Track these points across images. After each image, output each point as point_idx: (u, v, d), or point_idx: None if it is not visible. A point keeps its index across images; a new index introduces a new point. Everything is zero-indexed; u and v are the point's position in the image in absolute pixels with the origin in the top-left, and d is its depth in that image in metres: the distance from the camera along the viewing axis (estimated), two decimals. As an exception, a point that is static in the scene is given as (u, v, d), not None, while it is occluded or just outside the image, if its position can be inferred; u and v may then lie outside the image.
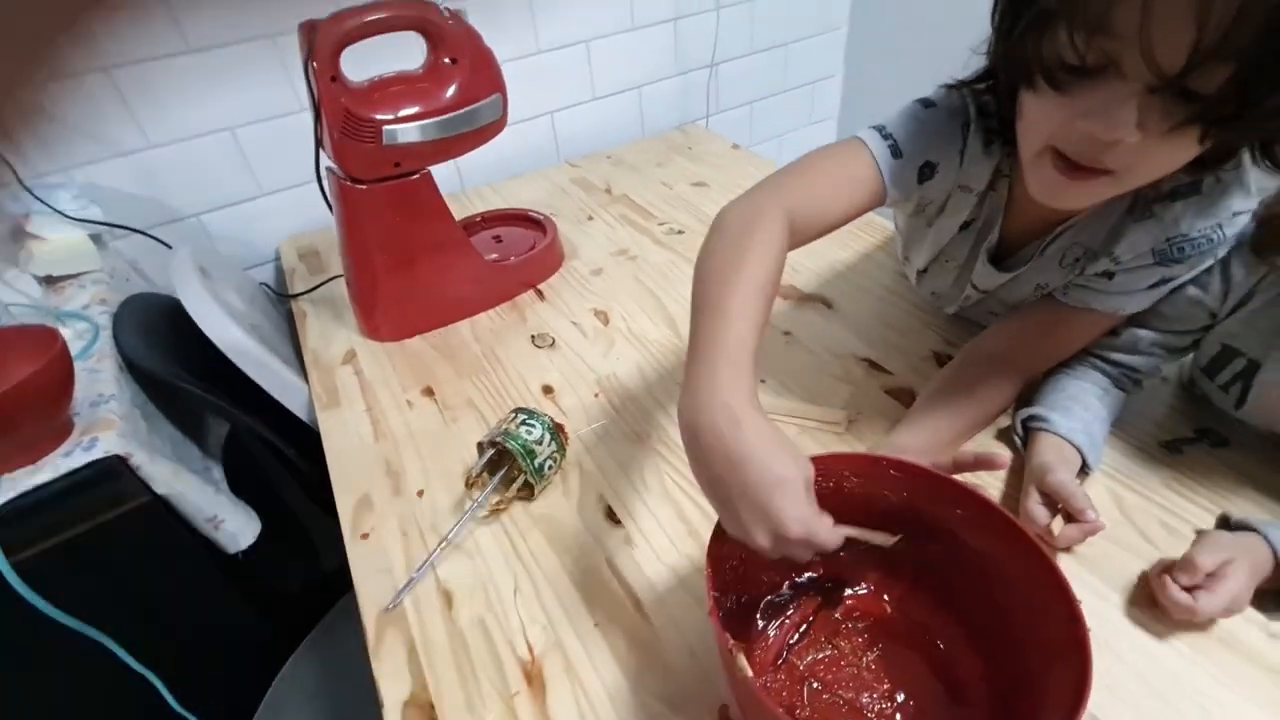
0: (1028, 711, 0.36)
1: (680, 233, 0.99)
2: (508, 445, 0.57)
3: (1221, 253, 0.50)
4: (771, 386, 0.69)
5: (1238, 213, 0.48)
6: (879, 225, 0.94)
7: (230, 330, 0.72)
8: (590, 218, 1.05)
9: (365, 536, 0.58)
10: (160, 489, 0.61)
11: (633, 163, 1.22)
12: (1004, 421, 0.61)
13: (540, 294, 0.88)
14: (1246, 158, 0.46)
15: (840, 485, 0.44)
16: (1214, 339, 0.54)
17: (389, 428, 0.70)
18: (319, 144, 0.71)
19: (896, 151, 0.54)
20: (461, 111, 0.71)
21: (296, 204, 1.03)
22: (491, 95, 0.73)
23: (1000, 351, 0.62)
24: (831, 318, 0.79)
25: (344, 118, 0.66)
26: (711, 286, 0.45)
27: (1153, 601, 0.47)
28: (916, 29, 1.40)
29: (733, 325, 0.42)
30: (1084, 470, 0.54)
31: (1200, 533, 0.50)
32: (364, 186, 0.71)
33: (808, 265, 0.88)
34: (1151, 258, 0.50)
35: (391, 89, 0.69)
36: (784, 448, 0.38)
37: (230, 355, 0.72)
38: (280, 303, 0.98)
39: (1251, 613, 0.46)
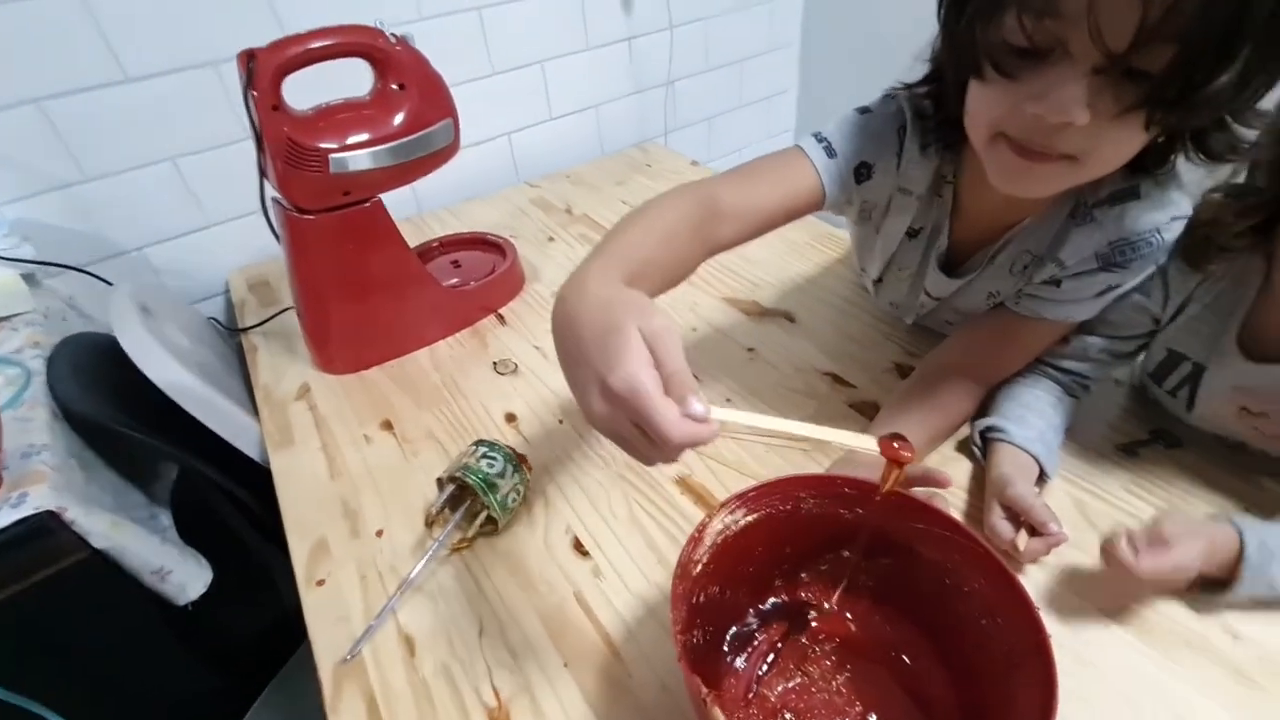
0: (998, 723, 0.36)
1: (642, 251, 0.98)
2: (468, 480, 0.55)
3: (1162, 259, 0.51)
4: (736, 405, 0.69)
5: (1175, 217, 0.50)
6: (838, 238, 0.95)
7: (173, 371, 0.69)
8: (551, 239, 1.04)
9: (321, 583, 0.56)
10: (99, 543, 0.57)
11: (592, 182, 1.22)
12: (965, 432, 0.62)
13: (501, 319, 0.87)
14: (1180, 164, 0.47)
15: (798, 507, 0.44)
16: (1159, 345, 0.55)
17: (345, 465, 0.67)
18: (263, 174, 0.69)
19: (831, 152, 0.55)
20: (412, 137, 0.70)
21: (245, 234, 1.00)
22: (442, 120, 0.72)
23: (957, 363, 0.62)
24: (794, 332, 0.79)
25: (288, 147, 0.64)
26: (609, 234, 0.47)
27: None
28: (866, 43, 1.43)
29: (616, 241, 0.45)
30: (1042, 478, 0.55)
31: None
32: (312, 216, 0.69)
33: (768, 280, 0.89)
34: (1095, 262, 0.52)
35: (338, 117, 0.67)
36: (621, 300, 0.35)
37: (174, 397, 0.69)
38: (230, 337, 0.94)
39: (1215, 614, 0.47)
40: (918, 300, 0.68)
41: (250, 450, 0.74)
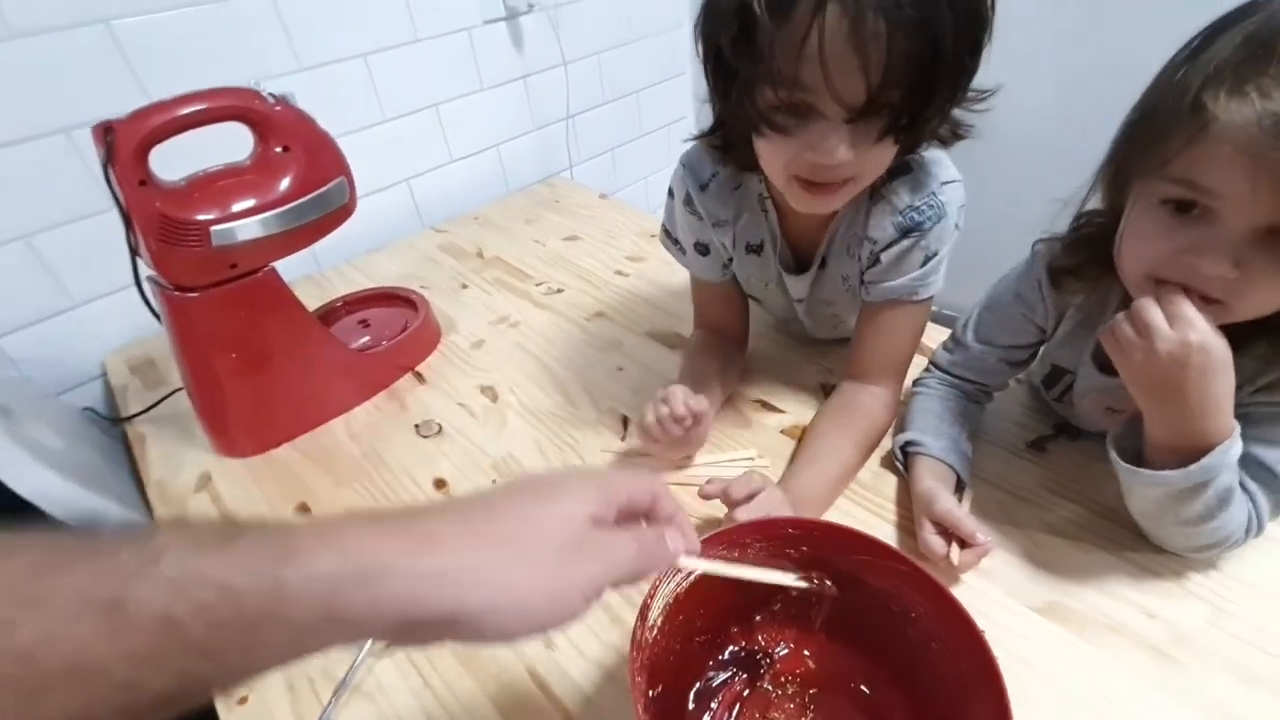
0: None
1: (560, 291, 0.97)
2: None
3: (949, 215, 0.58)
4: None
5: (945, 182, 0.58)
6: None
7: (42, 479, 0.61)
8: (464, 286, 1.01)
9: (243, 701, 0.50)
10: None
11: (501, 222, 1.20)
12: (887, 444, 0.64)
13: (420, 377, 0.83)
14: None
15: (745, 553, 0.44)
16: (1045, 359, 0.60)
17: (260, 560, 0.61)
18: (134, 252, 0.63)
19: (682, 249, 0.70)
20: (302, 201, 0.66)
21: (120, 310, 0.91)
22: (335, 180, 0.68)
23: (856, 371, 0.66)
24: (719, 361, 0.80)
25: (161, 223, 0.59)
26: None
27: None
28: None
29: None
30: (960, 485, 0.57)
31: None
32: (196, 294, 0.64)
33: (690, 313, 0.89)
34: (895, 231, 0.58)
35: (217, 185, 0.63)
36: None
37: (47, 509, 0.61)
38: (112, 428, 0.85)
39: (1130, 597, 0.50)
40: (790, 306, 0.73)
41: (146, 556, 0.67)
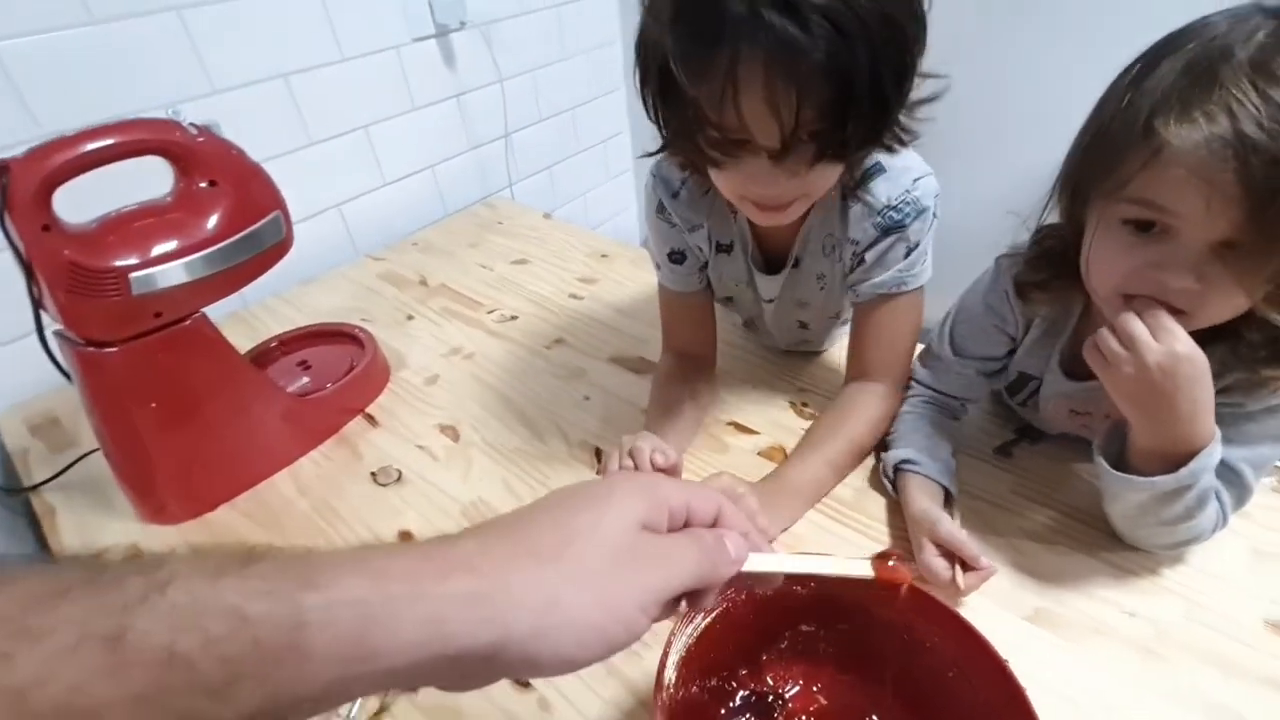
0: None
1: (514, 318, 0.94)
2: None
3: (928, 205, 0.59)
4: (650, 474, 0.66)
5: (918, 178, 0.59)
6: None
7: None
8: (410, 317, 0.96)
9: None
10: None
11: (443, 246, 1.15)
12: (870, 463, 0.65)
13: (371, 420, 0.78)
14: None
15: (752, 592, 0.43)
16: (1013, 366, 0.62)
17: (206, 642, 0.55)
18: (38, 305, 0.55)
19: (658, 265, 0.70)
20: (234, 240, 0.60)
21: (14, 363, 0.81)
22: (269, 215, 0.63)
23: (856, 372, 0.67)
24: (687, 384, 0.79)
25: (70, 273, 0.52)
26: None
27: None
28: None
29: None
30: (949, 501, 0.58)
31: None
32: (113, 349, 0.57)
33: (652, 334, 0.87)
34: (876, 231, 0.60)
35: (134, 227, 0.56)
36: None
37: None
38: (9, 499, 0.75)
39: (1110, 597, 0.52)
40: (761, 309, 0.74)
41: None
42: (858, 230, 0.60)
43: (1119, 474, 0.48)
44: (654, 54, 0.48)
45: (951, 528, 0.50)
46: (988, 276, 0.60)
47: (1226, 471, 0.48)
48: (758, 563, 0.33)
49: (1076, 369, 0.56)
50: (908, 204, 0.59)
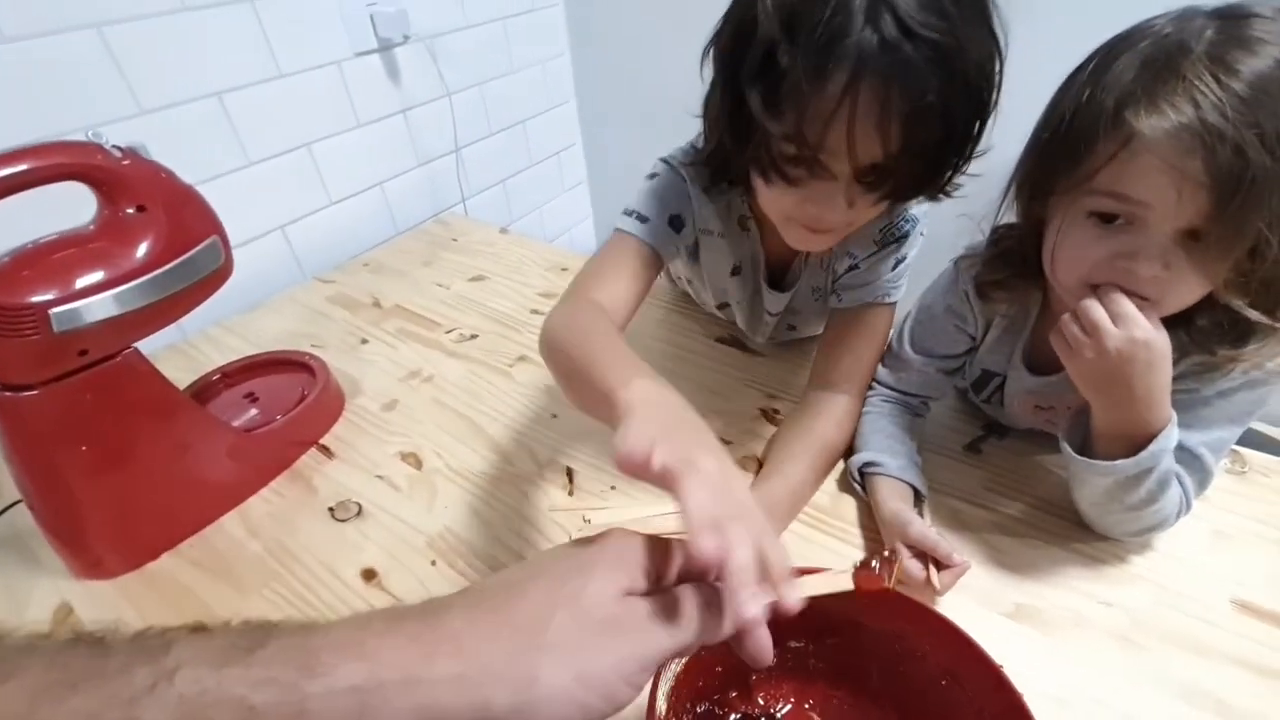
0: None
1: (474, 337, 0.91)
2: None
3: (922, 220, 0.63)
4: (621, 487, 0.65)
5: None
6: (664, 288, 0.96)
7: None
8: (364, 341, 0.92)
9: None
10: None
11: (395, 266, 1.11)
12: (840, 468, 0.64)
13: (326, 451, 0.74)
14: None
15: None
16: (976, 364, 0.63)
17: (151, 706, 0.50)
18: (-57, 349, 0.50)
19: (643, 219, 0.63)
20: (167, 268, 0.56)
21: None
22: (205, 240, 0.59)
23: (824, 380, 0.67)
24: (655, 396, 0.78)
25: (-20, 312, 0.47)
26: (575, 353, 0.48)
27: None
28: (635, 92, 1.50)
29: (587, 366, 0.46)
30: (918, 499, 0.58)
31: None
32: (33, 392, 0.52)
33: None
34: (874, 246, 0.63)
35: (53, 259, 0.52)
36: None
37: None
38: (-79, 562, 0.68)
39: (1085, 588, 0.52)
40: (762, 321, 0.75)
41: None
42: (857, 241, 0.63)
43: (1083, 459, 0.49)
44: (758, 47, 0.45)
45: (922, 528, 0.50)
46: (945, 278, 0.60)
47: (1187, 457, 0.50)
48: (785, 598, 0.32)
49: (1039, 364, 0.57)
50: (906, 220, 0.62)
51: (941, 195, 0.54)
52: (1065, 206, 0.46)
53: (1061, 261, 0.47)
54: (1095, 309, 0.43)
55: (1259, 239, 0.39)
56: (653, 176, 0.65)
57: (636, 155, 0.66)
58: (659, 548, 0.31)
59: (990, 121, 0.48)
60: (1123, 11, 0.46)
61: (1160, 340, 0.43)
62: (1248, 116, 0.36)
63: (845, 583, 0.37)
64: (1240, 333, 0.45)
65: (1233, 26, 0.39)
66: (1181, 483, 0.50)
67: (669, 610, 0.29)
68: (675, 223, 0.64)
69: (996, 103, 0.47)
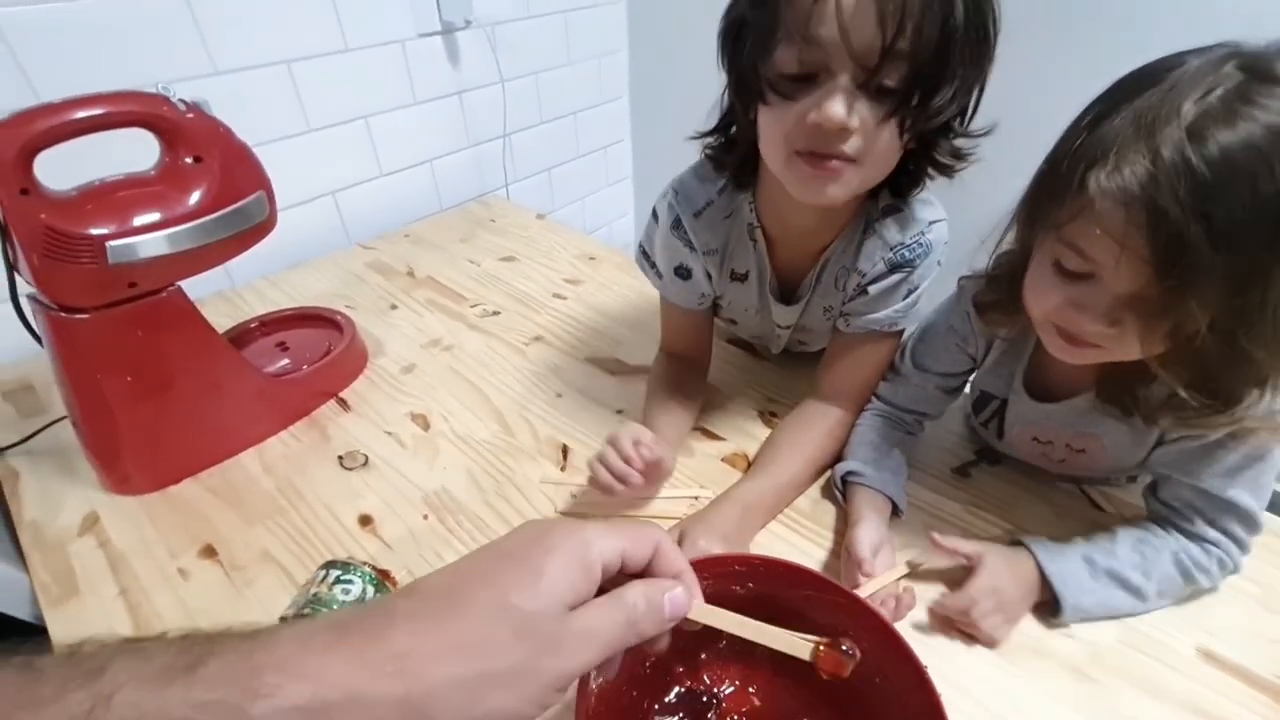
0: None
1: (496, 314, 0.94)
2: (319, 616, 0.47)
3: (936, 253, 0.61)
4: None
5: (932, 221, 0.60)
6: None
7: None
8: (394, 306, 0.97)
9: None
10: None
11: (433, 240, 1.16)
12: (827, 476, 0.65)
13: (344, 404, 0.78)
14: (929, 184, 0.58)
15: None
16: (976, 385, 0.63)
17: (156, 611, 0.55)
18: (12, 267, 0.56)
19: (659, 272, 0.70)
20: (216, 215, 0.61)
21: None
22: (253, 194, 0.64)
23: (824, 394, 0.68)
24: (659, 388, 0.80)
25: (46, 237, 0.53)
26: None
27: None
28: (690, 91, 1.52)
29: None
30: (896, 512, 0.59)
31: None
32: (85, 315, 0.57)
33: (629, 336, 0.89)
34: (884, 266, 0.60)
35: (116, 196, 0.57)
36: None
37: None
38: (-22, 461, 0.75)
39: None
40: (774, 331, 0.75)
41: (20, 611, 0.59)
42: (867, 262, 0.61)
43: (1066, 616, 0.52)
44: None
45: (860, 548, 0.52)
46: (950, 297, 0.61)
47: (1224, 508, 0.50)
48: (700, 615, 0.34)
49: (1038, 390, 0.57)
50: (920, 245, 0.60)
51: (950, 163, 0.54)
52: (1042, 243, 0.46)
53: (1029, 295, 0.48)
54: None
55: (1190, 323, 0.39)
56: (655, 216, 0.68)
57: (684, 157, 0.65)
58: (607, 543, 0.31)
59: (990, 60, 0.48)
60: (1167, 37, 0.44)
61: (1001, 585, 0.51)
62: (1200, 205, 0.36)
63: (804, 651, 0.37)
64: (1225, 399, 0.44)
65: (1246, 87, 0.37)
66: (1221, 547, 0.51)
67: (607, 618, 0.30)
68: (681, 272, 0.68)
69: (994, 46, 0.48)
